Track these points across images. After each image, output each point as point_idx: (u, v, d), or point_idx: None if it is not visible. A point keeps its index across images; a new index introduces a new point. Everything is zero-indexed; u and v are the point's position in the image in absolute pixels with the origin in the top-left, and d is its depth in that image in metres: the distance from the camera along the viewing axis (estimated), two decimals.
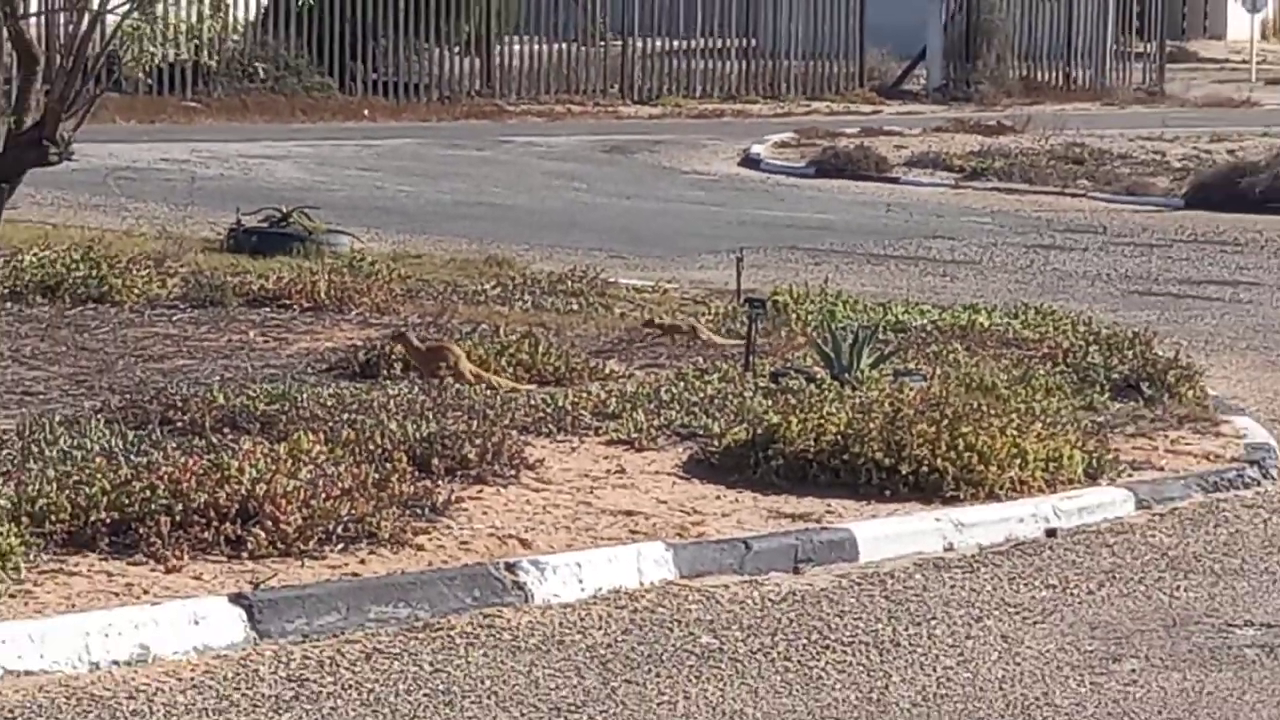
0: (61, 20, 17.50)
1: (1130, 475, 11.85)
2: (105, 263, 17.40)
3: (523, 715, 8.04)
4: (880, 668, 8.73)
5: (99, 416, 11.87)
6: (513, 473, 11.17)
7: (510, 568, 9.66)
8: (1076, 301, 17.86)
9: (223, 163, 28.05)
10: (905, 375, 13.50)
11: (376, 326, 15.33)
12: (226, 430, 11.35)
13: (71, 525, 9.60)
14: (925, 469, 11.11)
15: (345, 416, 11.75)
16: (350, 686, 8.36)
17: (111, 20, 17.32)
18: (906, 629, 9.31)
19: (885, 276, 19.66)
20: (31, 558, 9.21)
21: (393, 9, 43.71)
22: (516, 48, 47.23)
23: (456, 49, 45.71)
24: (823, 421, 11.59)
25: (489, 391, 12.95)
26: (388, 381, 13.32)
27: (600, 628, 9.22)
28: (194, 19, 20.05)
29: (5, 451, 10.89)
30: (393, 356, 13.86)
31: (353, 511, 9.92)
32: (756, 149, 35.45)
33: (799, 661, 8.81)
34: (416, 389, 13.01)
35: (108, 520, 9.62)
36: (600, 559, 9.92)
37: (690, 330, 15.00)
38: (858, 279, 18.72)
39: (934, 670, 8.71)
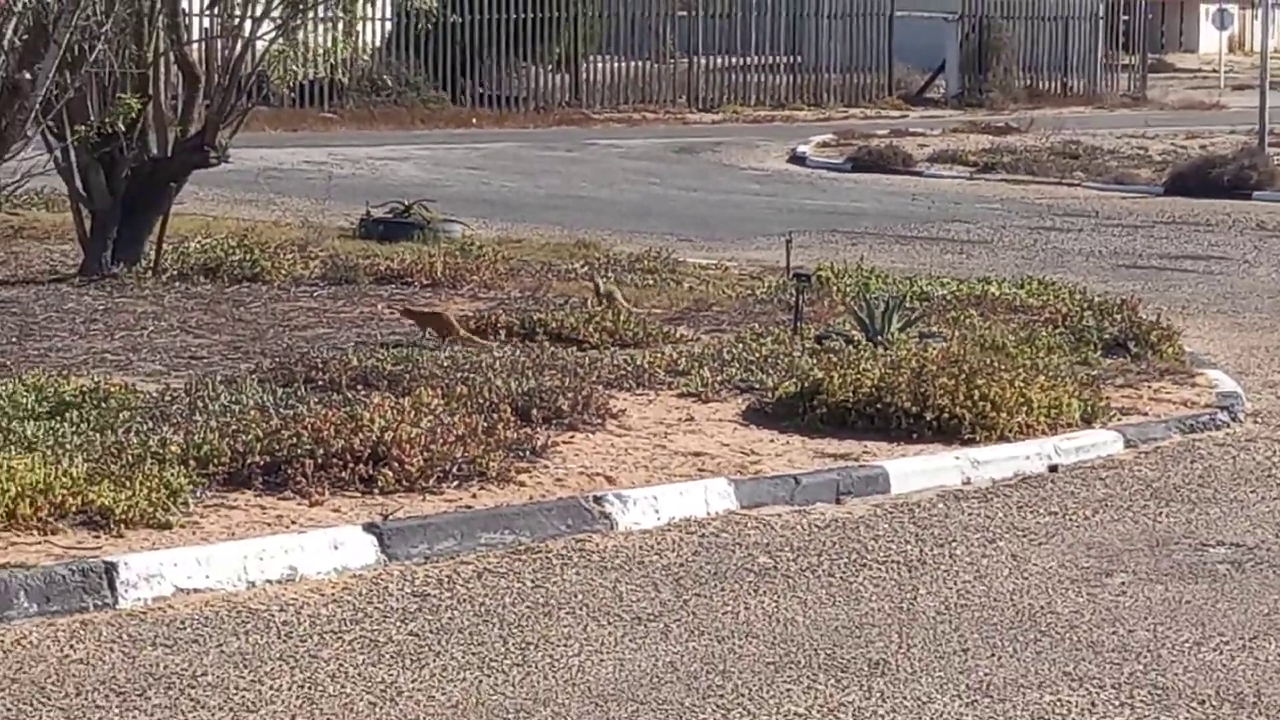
0: (219, 45, 17.45)
1: (1119, 419, 11.83)
2: (257, 248, 17.46)
3: (609, 624, 8.06)
4: (909, 582, 8.74)
5: (253, 376, 11.92)
6: (599, 421, 11.18)
7: (598, 500, 9.70)
8: (1073, 274, 17.79)
9: (354, 164, 28.05)
10: (929, 337, 13.46)
11: (484, 300, 15.34)
12: (359, 387, 11.38)
13: (231, 467, 9.69)
14: (946, 415, 11.09)
15: (459, 375, 11.75)
16: (464, 600, 8.39)
17: (261, 45, 17.35)
18: (931, 550, 9.31)
19: (911, 254, 19.57)
20: (197, 495, 9.31)
21: (496, 33, 43.67)
22: (599, 65, 47.15)
23: (549, 66, 45.65)
24: (859, 376, 11.57)
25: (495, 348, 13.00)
26: (495, 341, 13.31)
27: (673, 550, 9.24)
28: (330, 43, 20.08)
29: (175, 406, 10.96)
30: (497, 322, 13.87)
31: (465, 454, 9.97)
32: (802, 148, 35.36)
33: (840, 578, 8.82)
34: (520, 351, 13.02)
35: (261, 463, 9.71)
36: (673, 493, 9.94)
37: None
38: (888, 257, 18.64)
39: (954, 584, 8.71)
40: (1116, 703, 7.05)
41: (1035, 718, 6.88)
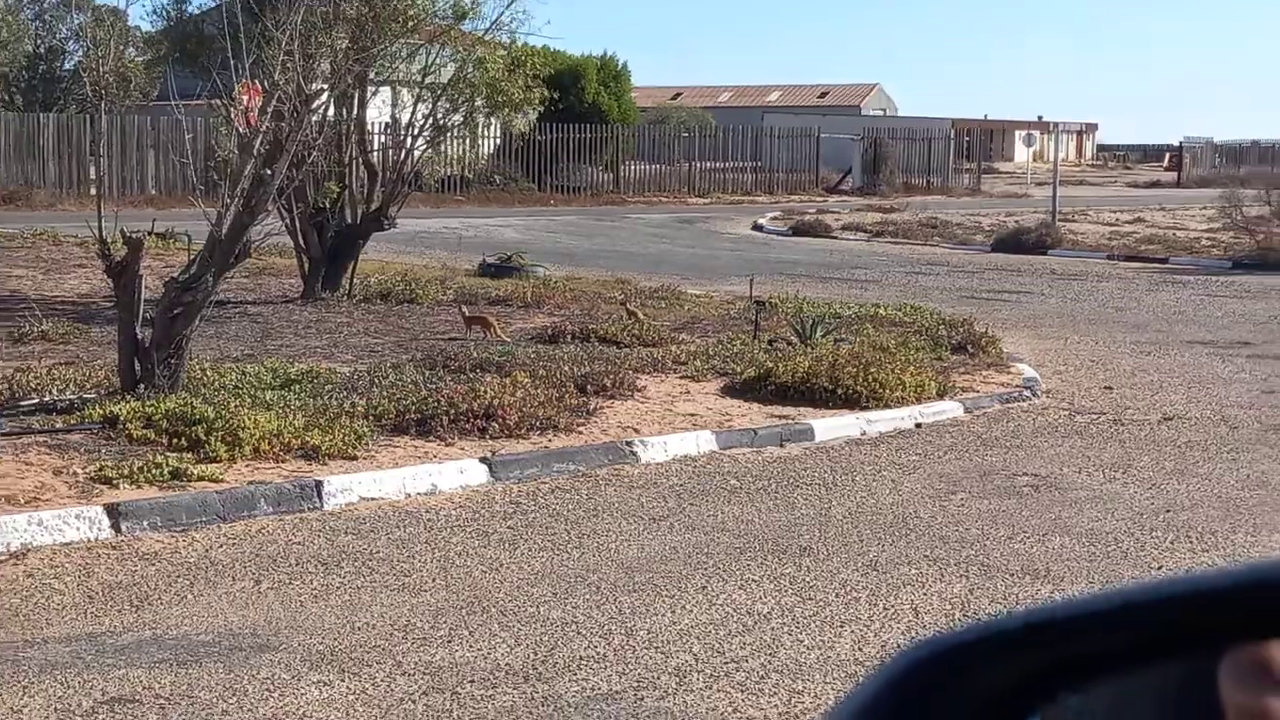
0: (390, 153, 17.50)
1: (961, 394, 11.82)
2: (413, 281, 17.49)
3: (634, 522, 8.08)
4: (826, 497, 8.75)
5: (410, 363, 11.95)
6: (629, 393, 11.18)
7: (628, 444, 9.71)
8: (932, 302, 17.75)
9: (475, 229, 28.05)
10: (840, 340, 13.46)
11: (557, 315, 15.36)
12: (478, 370, 11.41)
13: (395, 420, 9.71)
14: (850, 391, 11.06)
15: (540, 363, 11.77)
16: (542, 506, 8.43)
17: (417, 153, 17.39)
18: (840, 477, 9.32)
19: (829, 289, 19.53)
20: (374, 438, 9.33)
21: (566, 146, 43.76)
22: (632, 166, 47.20)
23: (600, 167, 45.74)
24: (796, 366, 11.57)
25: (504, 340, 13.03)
26: (563, 344, 13.33)
27: (676, 476, 9.26)
28: (461, 153, 20.22)
29: (360, 381, 10.98)
30: (564, 329, 13.91)
31: (544, 413, 9.99)
32: (760, 221, 35.35)
33: (782, 494, 8.83)
34: (580, 348, 13.03)
35: (415, 418, 9.73)
36: (676, 439, 9.94)
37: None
38: (814, 290, 18.59)
39: (854, 499, 8.72)
40: (957, 575, 7.08)
41: (905, 583, 6.91)
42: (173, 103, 13.66)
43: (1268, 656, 0.90)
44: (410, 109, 17.36)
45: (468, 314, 14.29)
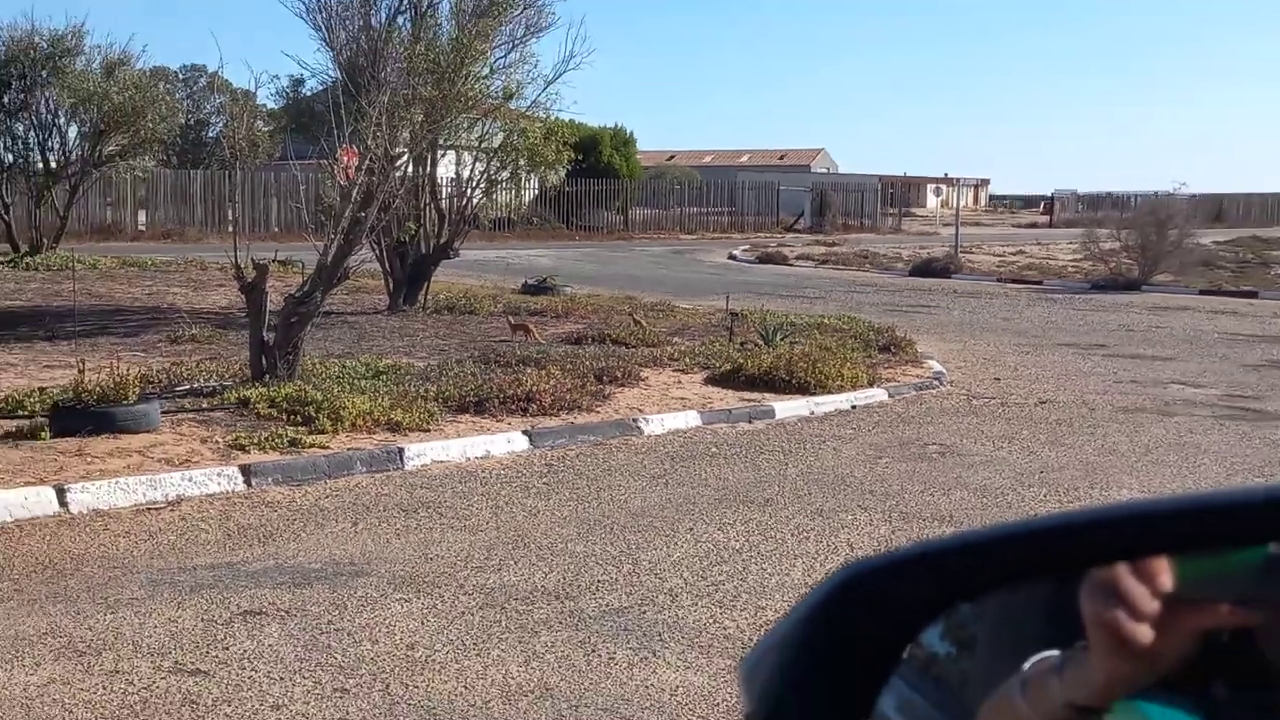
0: (455, 200, 17.49)
1: (885, 384, 11.78)
2: (472, 297, 17.48)
3: (639, 479, 8.06)
4: (782, 460, 8.74)
5: (469, 360, 11.93)
6: (635, 382, 11.15)
7: (634, 420, 9.67)
8: (865, 314, 17.72)
9: (519, 258, 28.02)
10: (795, 343, 13.43)
11: (581, 323, 15.34)
12: (520, 365, 11.37)
13: (459, 402, 9.68)
14: (802, 381, 11.04)
15: (568, 359, 11.74)
16: (569, 466, 8.41)
17: (475, 200, 17.39)
18: (794, 445, 9.31)
19: (786, 303, 19.49)
20: (440, 416, 9.32)
21: (588, 195, 43.85)
22: (638, 211, 47.16)
23: (614, 210, 45.73)
24: (761, 362, 11.54)
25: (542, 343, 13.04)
26: (585, 345, 13.31)
27: (670, 445, 9.24)
28: (508, 200, 20.22)
29: (431, 373, 10.97)
30: (586, 334, 13.88)
31: (570, 397, 9.96)
32: (734, 252, 35.28)
33: (750, 458, 8.82)
34: (598, 349, 13.00)
35: (473, 400, 9.70)
36: (671, 416, 9.90)
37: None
38: (775, 304, 18.54)
39: (805, 462, 8.71)
40: (882, 520, 7.07)
41: (842, 526, 6.90)
42: (290, 161, 13.69)
43: (1116, 577, 0.90)
44: (469, 167, 17.37)
45: (513, 322, 14.34)
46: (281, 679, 4.60)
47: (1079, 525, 0.92)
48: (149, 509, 7.07)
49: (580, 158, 24.52)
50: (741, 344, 13.50)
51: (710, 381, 11.52)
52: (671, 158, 75.65)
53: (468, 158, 17.76)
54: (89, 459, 7.71)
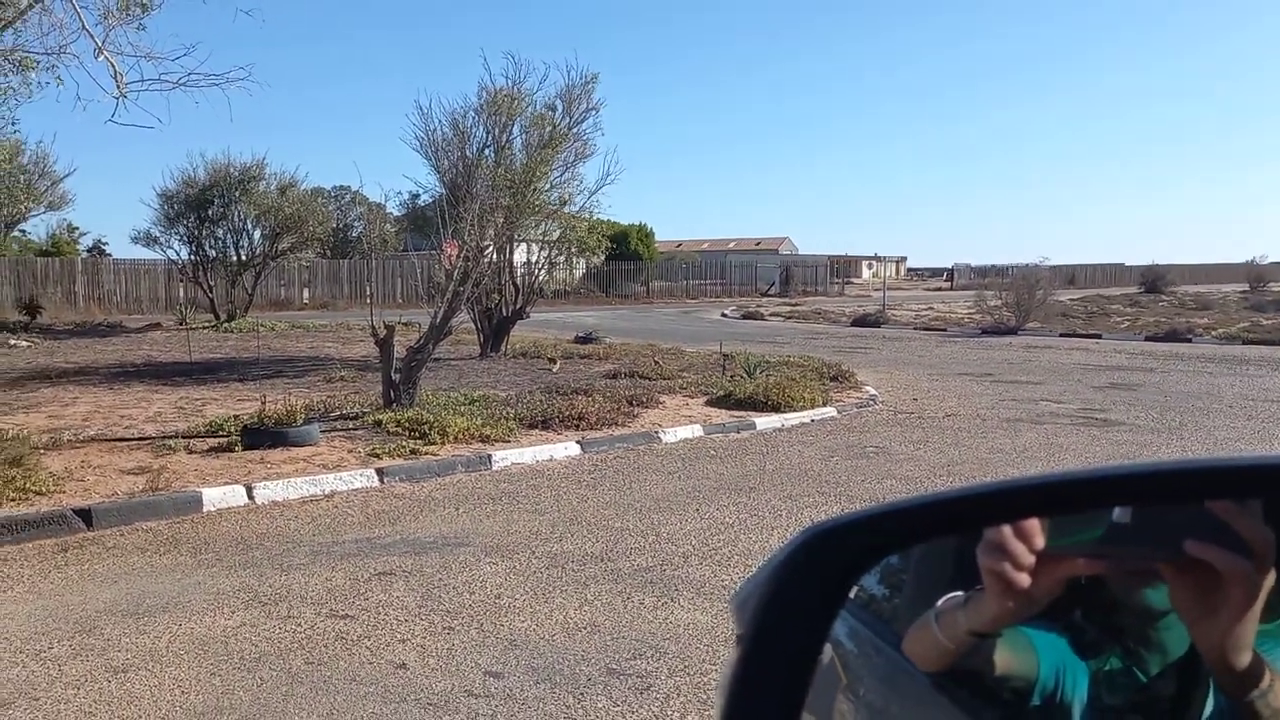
0: (526, 275, 17.54)
1: (835, 403, 11.68)
2: (539, 346, 17.48)
3: (659, 475, 7.97)
4: (762, 460, 8.65)
5: (538, 390, 11.88)
6: (656, 405, 11.06)
7: (656, 432, 9.59)
8: (819, 353, 17.61)
9: (573, 318, 28.07)
10: (770, 375, 13.31)
11: (616, 364, 15.28)
12: (573, 394, 11.34)
13: (530, 420, 9.61)
14: (776, 402, 10.97)
15: (608, 389, 11.70)
16: (610, 466, 8.34)
17: (541, 275, 17.43)
18: (769, 448, 9.22)
19: (763, 348, 19.38)
20: (518, 431, 9.28)
21: (620, 272, 44.06)
22: (656, 283, 47.18)
23: (639, 283, 45.78)
24: (745, 388, 11.48)
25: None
26: (619, 379, 13.24)
27: (682, 450, 9.16)
28: (565, 274, 20.22)
29: (511, 400, 10.90)
30: (620, 371, 13.83)
31: (610, 416, 9.90)
32: (725, 311, 35.22)
33: (737, 458, 8.73)
34: (629, 381, 12.93)
35: (540, 419, 9.65)
36: (682, 429, 9.80)
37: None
38: (755, 348, 18.42)
39: (778, 460, 8.61)
40: (834, 502, 6.97)
41: (806, 507, 6.82)
42: (410, 252, 13.78)
43: (1003, 536, 0.90)
44: (536, 254, 17.44)
45: (549, 356, 15.03)
46: (406, 621, 4.59)
47: (976, 496, 0.92)
48: (311, 500, 7.09)
49: (614, 246, 24.67)
50: (731, 376, 13.44)
51: (709, 403, 11.46)
52: (680, 245, 75.65)
53: (535, 247, 17.85)
54: (268, 465, 7.74)
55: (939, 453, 8.91)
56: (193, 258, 25.45)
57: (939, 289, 61.43)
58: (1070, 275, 58.49)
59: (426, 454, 8.24)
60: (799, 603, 0.88)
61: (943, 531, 0.95)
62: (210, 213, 24.92)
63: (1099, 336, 23.35)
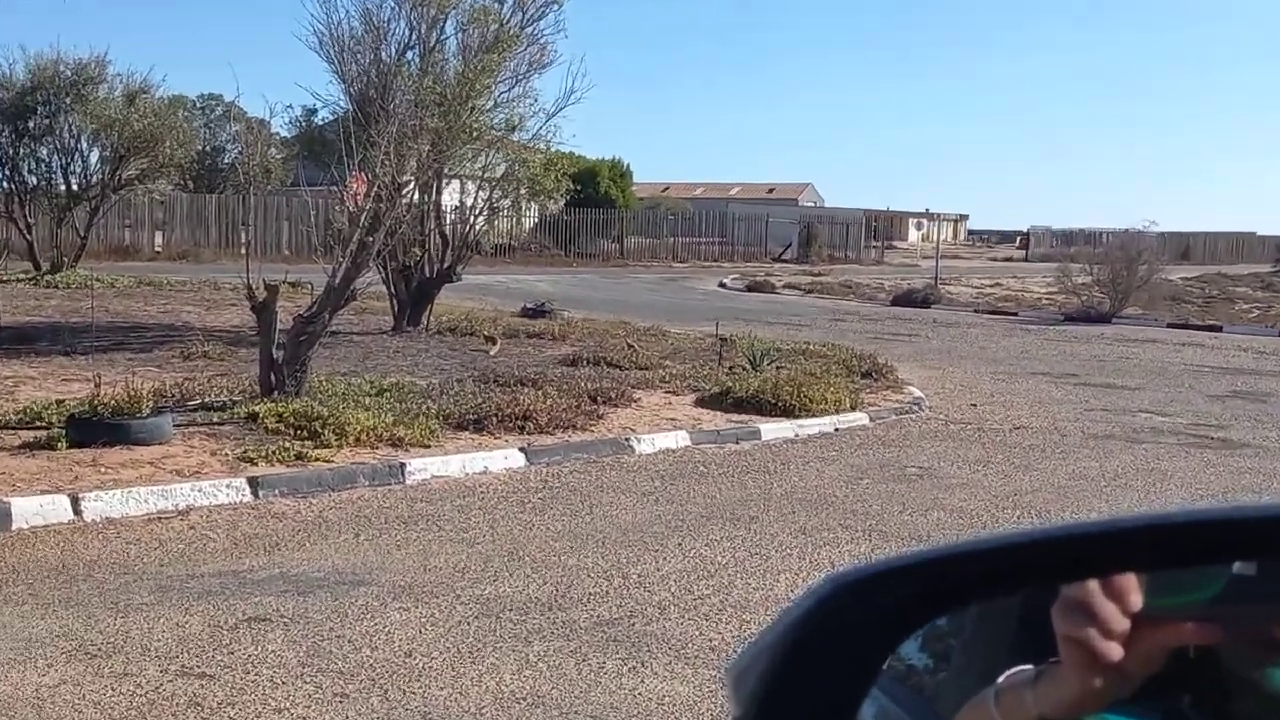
0: (458, 226, 17.47)
1: (867, 408, 11.77)
2: (473, 320, 17.46)
3: (630, 496, 8.03)
4: (768, 480, 8.72)
5: (470, 379, 11.90)
6: (628, 403, 11.12)
7: (626, 439, 9.65)
8: (848, 341, 17.73)
9: (519, 283, 28.05)
10: (780, 367, 13.43)
11: (577, 346, 15.30)
12: (518, 385, 11.36)
13: (458, 419, 9.66)
14: (788, 404, 11.03)
15: (564, 380, 11.72)
16: (563, 483, 8.38)
17: (477, 226, 17.40)
18: (779, 465, 9.29)
19: (773, 330, 19.46)
20: (441, 433, 9.29)
21: (586, 224, 43.98)
22: (633, 240, 47.22)
23: (610, 239, 45.78)
24: (748, 385, 11.54)
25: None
26: (580, 367, 13.27)
27: (661, 463, 9.22)
28: (509, 227, 20.24)
29: (433, 391, 10.93)
30: (582, 356, 13.85)
31: (566, 416, 9.94)
32: (724, 280, 35.29)
33: (736, 477, 8.80)
34: (593, 370, 12.98)
35: (472, 418, 9.68)
36: (661, 436, 9.88)
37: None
38: (762, 331, 18.49)
39: (790, 481, 8.69)
40: (862, 538, 7.05)
41: (824, 544, 6.88)
42: (301, 188, 13.70)
43: (1087, 595, 0.90)
44: (473, 195, 17.42)
45: (485, 334, 15.39)
46: (284, 683, 4.58)
47: (1052, 541, 0.92)
48: (159, 518, 7.05)
49: (579, 188, 24.60)
50: (730, 368, 13.49)
51: (700, 403, 11.50)
52: (666, 189, 75.86)
53: (471, 186, 17.81)
54: (103, 469, 7.68)
55: (1003, 478, 9.01)
56: (5, 186, 25.09)
57: (1009, 259, 62.01)
58: (1184, 247, 59.20)
59: (318, 460, 8.23)
60: (816, 676, 0.89)
61: (1007, 586, 0.95)
62: (31, 125, 24.39)
63: (1218, 329, 23.70)
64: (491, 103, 16.02)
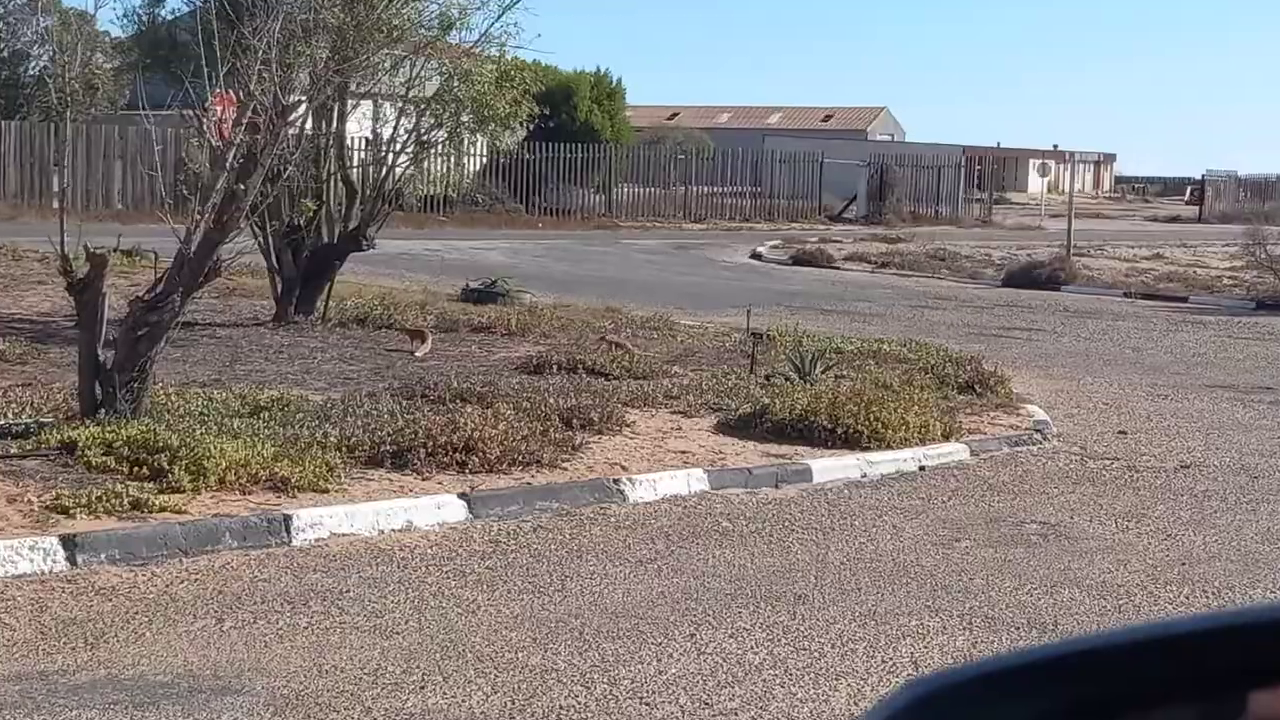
0: (370, 169, 17.50)
1: (967, 436, 11.79)
2: (392, 306, 17.45)
3: (620, 564, 8.07)
4: (823, 542, 8.74)
5: (387, 392, 11.90)
6: (618, 428, 11.15)
7: (615, 481, 9.68)
8: (939, 338, 17.76)
9: (459, 252, 28.08)
10: (840, 377, 13.44)
11: (543, 345, 15.30)
12: (458, 401, 11.36)
13: (370, 452, 9.68)
14: (851, 430, 11.03)
15: (525, 394, 11.73)
16: (523, 545, 8.41)
17: (399, 170, 17.41)
18: (838, 521, 9.30)
19: (830, 322, 19.52)
20: (344, 471, 9.30)
21: (556, 166, 43.87)
22: (625, 189, 47.24)
23: (592, 189, 45.73)
24: (793, 402, 11.54)
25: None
26: (548, 375, 13.28)
27: (665, 516, 9.24)
28: (444, 171, 20.25)
29: (334, 410, 10.93)
30: (550, 360, 13.85)
31: (528, 448, 9.96)
32: (759, 249, 35.33)
33: (777, 538, 8.82)
34: (566, 380, 12.98)
35: (390, 450, 9.70)
36: (666, 477, 9.90)
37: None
38: (814, 323, 18.56)
39: (853, 544, 8.71)
40: (960, 628, 7.07)
41: (904, 635, 6.89)
42: (142, 112, 13.72)
43: None
44: (393, 124, 17.39)
45: (409, 328, 15.52)
46: None
47: (1235, 629, 0.93)
48: None
49: (547, 113, 24.48)
50: (767, 377, 13.49)
51: (722, 429, 11.52)
52: (674, 116, 76.14)
53: (390, 111, 17.80)
54: None
55: (1166, 539, 9.02)
56: None
57: (1175, 219, 62.20)
58: None
59: (164, 511, 8.21)
60: None
61: (1170, 696, 0.96)
62: None
63: None
64: None
